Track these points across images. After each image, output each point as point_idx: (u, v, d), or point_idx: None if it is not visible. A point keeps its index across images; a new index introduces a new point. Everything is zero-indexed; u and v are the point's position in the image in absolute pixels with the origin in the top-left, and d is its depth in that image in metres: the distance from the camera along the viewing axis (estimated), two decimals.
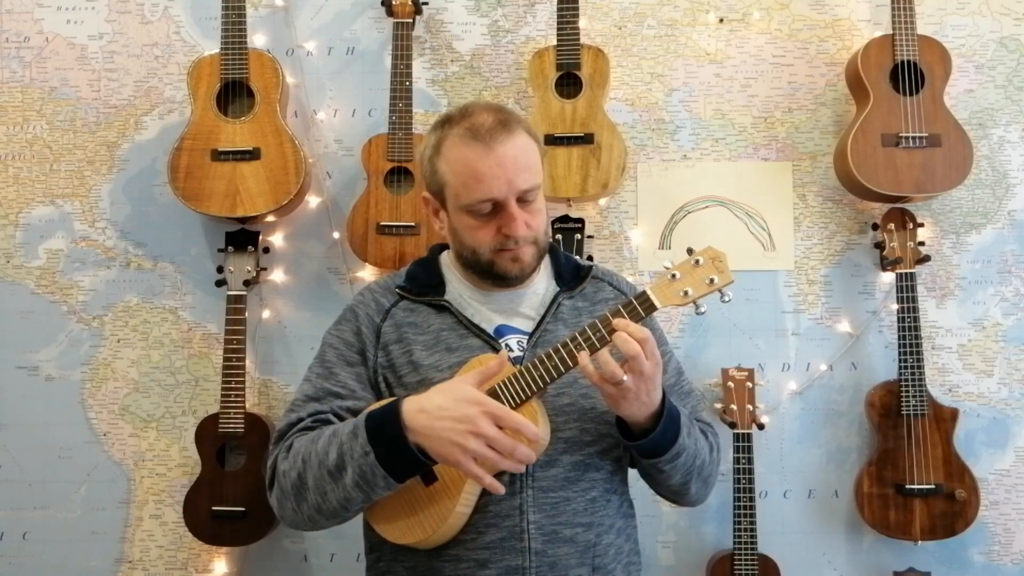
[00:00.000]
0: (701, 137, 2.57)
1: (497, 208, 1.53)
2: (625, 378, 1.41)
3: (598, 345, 1.45)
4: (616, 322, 1.43)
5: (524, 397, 1.47)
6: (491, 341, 1.58)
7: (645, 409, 1.47)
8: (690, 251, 1.49)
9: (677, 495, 1.67)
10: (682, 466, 1.57)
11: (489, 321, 1.62)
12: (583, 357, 1.43)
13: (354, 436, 1.44)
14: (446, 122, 1.58)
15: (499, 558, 1.51)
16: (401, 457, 1.41)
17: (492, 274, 1.59)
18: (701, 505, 2.43)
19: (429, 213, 1.67)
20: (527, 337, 1.60)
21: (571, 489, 1.55)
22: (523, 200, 1.54)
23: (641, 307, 1.46)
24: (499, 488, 1.42)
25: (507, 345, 1.59)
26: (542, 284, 1.68)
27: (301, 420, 1.57)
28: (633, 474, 1.70)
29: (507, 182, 1.51)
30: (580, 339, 1.45)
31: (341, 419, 1.57)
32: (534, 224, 1.56)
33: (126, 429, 2.54)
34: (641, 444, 1.51)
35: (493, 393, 1.48)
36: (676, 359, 1.76)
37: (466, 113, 1.56)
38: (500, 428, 1.39)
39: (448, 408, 1.39)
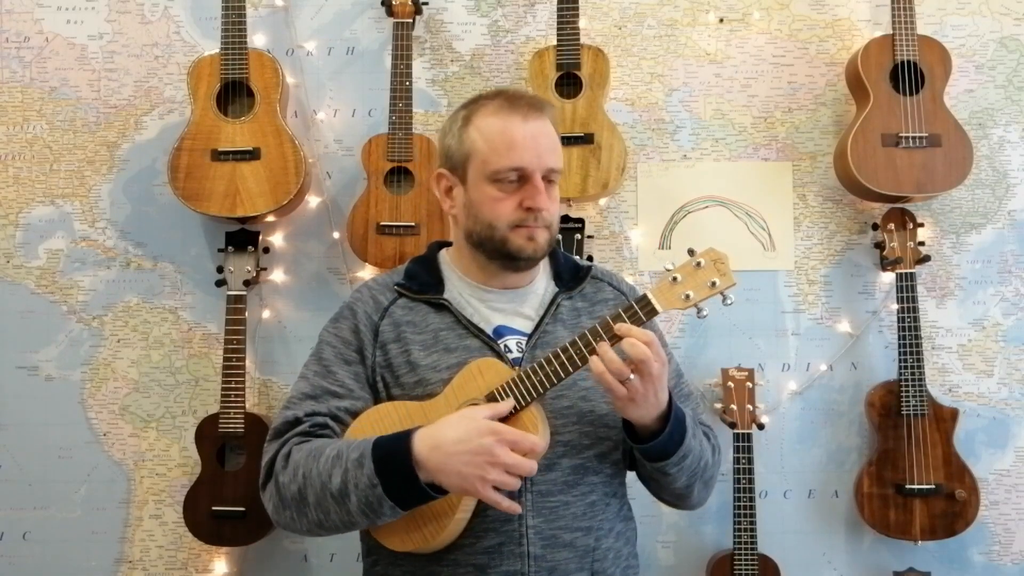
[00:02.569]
0: (701, 137, 2.57)
1: (522, 181, 1.54)
2: (632, 376, 1.41)
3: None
4: (618, 327, 1.42)
5: (524, 403, 1.45)
6: (490, 342, 1.57)
7: (653, 411, 1.47)
8: (691, 252, 1.47)
9: (680, 498, 1.65)
10: (688, 468, 1.56)
11: (488, 321, 1.60)
12: (595, 361, 1.42)
13: (359, 465, 1.42)
14: (479, 98, 1.62)
15: (498, 563, 1.50)
16: (411, 491, 1.41)
17: (504, 253, 1.57)
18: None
19: (440, 192, 1.65)
20: (526, 338, 1.59)
21: (570, 493, 1.54)
22: (546, 180, 1.56)
23: (642, 311, 1.44)
24: (517, 508, 1.42)
25: (505, 346, 1.58)
26: (541, 284, 1.67)
27: (298, 419, 1.56)
28: (632, 475, 1.69)
29: (537, 156, 1.54)
30: (580, 343, 1.44)
31: (337, 419, 1.56)
32: (552, 208, 1.58)
33: (126, 429, 2.54)
34: (650, 447, 1.50)
35: (492, 398, 1.47)
36: (676, 361, 1.75)
37: (501, 91, 1.62)
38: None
39: (463, 441, 1.38)
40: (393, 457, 1.41)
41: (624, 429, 1.54)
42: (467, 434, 1.38)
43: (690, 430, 1.54)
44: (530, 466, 1.39)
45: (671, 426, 1.49)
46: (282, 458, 1.53)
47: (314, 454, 1.48)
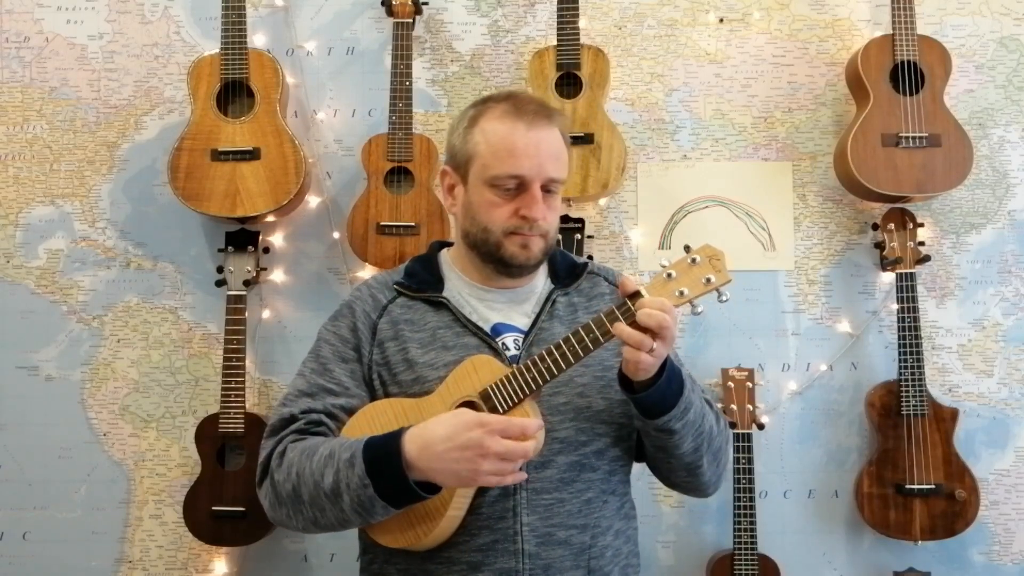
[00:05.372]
0: (701, 137, 2.57)
1: (521, 188, 1.54)
2: (655, 344, 1.40)
3: (591, 347, 1.44)
4: (638, 303, 1.41)
5: (517, 399, 1.45)
6: (488, 340, 1.58)
7: (655, 368, 1.45)
8: (687, 249, 1.46)
9: (691, 471, 1.59)
10: (692, 425, 1.52)
11: (486, 319, 1.61)
12: (619, 327, 1.41)
13: (351, 465, 1.42)
14: (488, 99, 1.62)
15: (492, 561, 1.50)
16: (402, 491, 1.41)
17: (497, 258, 1.58)
18: (702, 505, 2.44)
19: (443, 189, 1.66)
20: (523, 336, 1.60)
21: (566, 490, 1.54)
22: (546, 190, 1.56)
23: (635, 307, 1.44)
24: (523, 475, 1.42)
25: (503, 344, 1.58)
26: (539, 283, 1.68)
27: (294, 417, 1.56)
28: (634, 475, 1.69)
29: (538, 165, 1.54)
30: (573, 340, 1.44)
31: (333, 417, 1.56)
32: (549, 217, 1.57)
33: (126, 429, 2.54)
34: (648, 394, 1.46)
35: (486, 395, 1.47)
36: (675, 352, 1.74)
37: (511, 95, 1.61)
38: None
39: (452, 437, 1.38)
40: (383, 458, 1.41)
41: (621, 386, 1.51)
42: (455, 430, 1.38)
43: (688, 384, 1.53)
44: (524, 449, 1.38)
45: (668, 373, 1.47)
46: (277, 456, 1.53)
47: (307, 453, 1.49)
